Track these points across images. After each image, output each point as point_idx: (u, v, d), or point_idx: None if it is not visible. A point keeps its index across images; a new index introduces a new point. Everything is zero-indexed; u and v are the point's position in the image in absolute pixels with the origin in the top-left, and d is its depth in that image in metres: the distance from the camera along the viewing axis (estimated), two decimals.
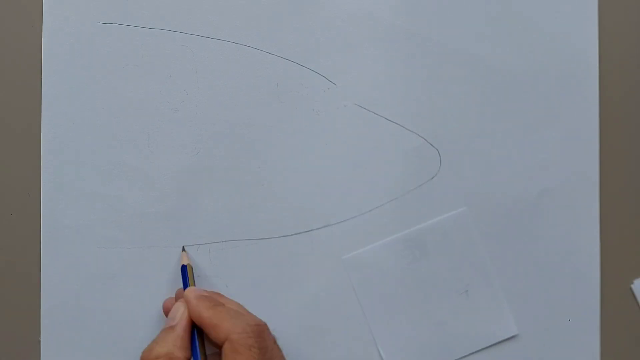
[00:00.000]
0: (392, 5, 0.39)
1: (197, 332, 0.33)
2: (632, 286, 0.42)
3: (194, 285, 0.36)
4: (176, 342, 0.32)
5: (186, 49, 0.38)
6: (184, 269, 0.36)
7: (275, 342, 0.33)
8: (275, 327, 0.35)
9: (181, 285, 0.36)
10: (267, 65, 0.39)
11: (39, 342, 0.37)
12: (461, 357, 0.40)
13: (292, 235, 0.39)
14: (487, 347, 0.40)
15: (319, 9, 0.39)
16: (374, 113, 0.39)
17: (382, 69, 0.39)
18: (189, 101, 0.38)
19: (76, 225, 0.37)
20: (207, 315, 0.32)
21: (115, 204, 0.37)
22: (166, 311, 0.36)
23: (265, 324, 0.33)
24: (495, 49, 0.40)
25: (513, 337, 0.40)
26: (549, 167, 0.41)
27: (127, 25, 0.37)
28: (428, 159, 0.40)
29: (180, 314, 0.33)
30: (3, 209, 0.37)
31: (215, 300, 0.34)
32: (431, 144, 0.40)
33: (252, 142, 0.38)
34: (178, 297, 0.36)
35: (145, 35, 0.38)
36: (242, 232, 0.38)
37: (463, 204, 0.40)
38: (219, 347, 0.32)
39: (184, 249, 0.38)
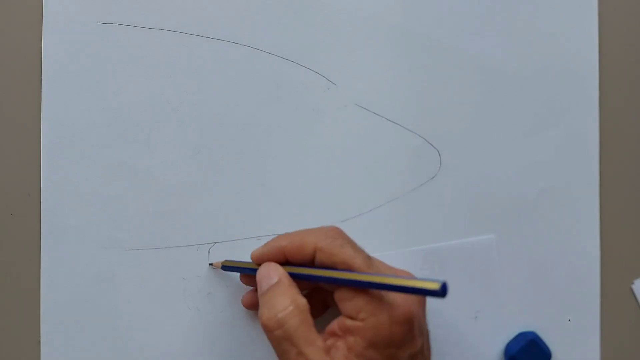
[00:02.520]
0: (392, 5, 0.39)
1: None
2: (632, 286, 0.42)
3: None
4: (292, 291, 0.31)
5: (186, 49, 0.38)
6: (226, 268, 0.37)
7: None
8: None
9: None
10: (267, 65, 0.39)
11: (39, 342, 0.37)
12: None
13: None
14: None
15: (318, 9, 0.39)
16: (374, 113, 0.39)
17: (382, 69, 0.39)
18: (189, 101, 0.38)
19: (76, 225, 0.37)
20: (286, 241, 0.32)
21: (115, 204, 0.37)
22: (249, 303, 0.36)
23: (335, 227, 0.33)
24: (495, 49, 0.40)
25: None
26: (549, 167, 0.41)
27: (127, 25, 0.37)
28: (428, 159, 0.40)
29: (272, 270, 0.32)
30: (3, 209, 0.37)
31: (279, 238, 0.34)
32: (431, 144, 0.40)
33: (252, 142, 0.38)
34: (247, 301, 0.37)
35: (145, 35, 0.38)
36: (242, 232, 0.38)
37: (463, 204, 0.40)
38: (308, 263, 0.32)
39: (211, 264, 0.38)
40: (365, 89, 0.39)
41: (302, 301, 0.30)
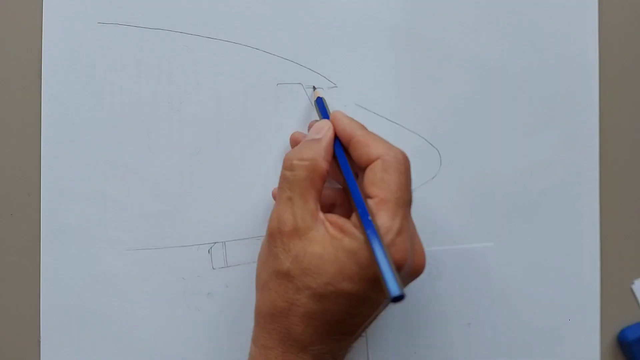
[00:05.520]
0: (392, 5, 0.39)
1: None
2: (632, 286, 0.42)
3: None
4: (320, 152, 0.32)
5: (186, 49, 0.38)
6: (319, 101, 0.36)
7: None
8: None
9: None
10: (267, 65, 0.39)
11: (39, 342, 0.37)
12: None
13: None
14: None
15: (319, 9, 0.39)
16: (374, 113, 0.39)
17: (382, 69, 0.39)
18: (189, 101, 0.38)
19: (76, 225, 0.37)
20: (361, 134, 0.32)
21: (115, 204, 0.37)
22: (293, 142, 0.37)
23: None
24: (495, 49, 0.40)
25: (512, 338, 0.40)
26: (549, 167, 0.41)
27: (127, 25, 0.37)
28: (428, 159, 0.40)
29: (326, 129, 0.33)
30: (3, 209, 0.37)
31: (363, 125, 0.34)
32: (431, 144, 0.40)
33: (252, 142, 0.38)
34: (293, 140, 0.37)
35: (145, 35, 0.38)
36: (242, 231, 0.38)
37: (463, 203, 0.40)
38: (363, 166, 0.31)
39: (314, 88, 0.38)
40: (365, 89, 0.39)
41: (322, 166, 0.31)
